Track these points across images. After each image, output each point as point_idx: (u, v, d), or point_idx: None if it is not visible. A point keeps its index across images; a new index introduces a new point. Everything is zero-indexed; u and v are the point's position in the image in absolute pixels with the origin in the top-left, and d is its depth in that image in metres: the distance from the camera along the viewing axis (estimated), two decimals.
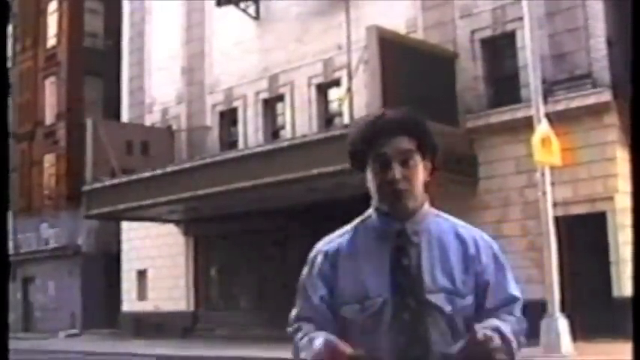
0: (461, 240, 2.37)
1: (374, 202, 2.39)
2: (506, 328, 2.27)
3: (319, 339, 2.22)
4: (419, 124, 2.38)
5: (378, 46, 18.26)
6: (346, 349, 2.15)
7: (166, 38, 29.30)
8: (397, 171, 2.29)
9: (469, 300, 2.30)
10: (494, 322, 2.27)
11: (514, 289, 2.41)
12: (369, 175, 2.35)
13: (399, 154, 2.31)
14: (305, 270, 2.43)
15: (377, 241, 2.34)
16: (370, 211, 2.41)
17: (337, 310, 2.32)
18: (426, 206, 2.39)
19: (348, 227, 2.44)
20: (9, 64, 36.31)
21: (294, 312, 2.41)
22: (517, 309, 2.39)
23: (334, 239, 2.42)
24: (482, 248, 2.38)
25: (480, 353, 2.15)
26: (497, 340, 2.17)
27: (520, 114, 18.23)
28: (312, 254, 2.44)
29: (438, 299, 2.27)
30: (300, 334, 2.33)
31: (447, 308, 2.26)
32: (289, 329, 2.40)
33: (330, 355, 2.16)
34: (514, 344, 2.27)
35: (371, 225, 2.38)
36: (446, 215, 2.44)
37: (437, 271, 2.30)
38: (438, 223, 2.39)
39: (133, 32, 31.18)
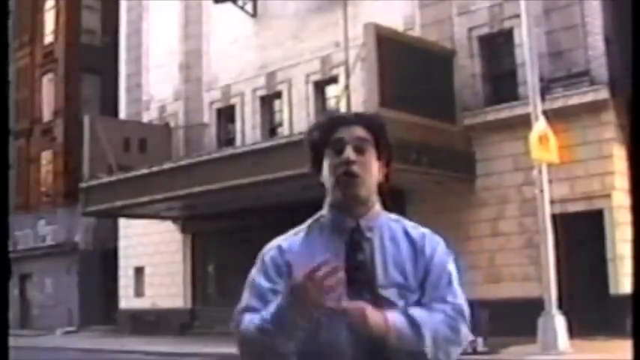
0: (410, 237, 2.39)
1: (328, 198, 2.42)
2: (421, 313, 2.25)
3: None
4: (377, 121, 2.44)
5: (376, 43, 18.24)
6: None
7: (164, 35, 29.27)
8: (351, 153, 2.33)
9: (419, 294, 2.33)
10: (410, 309, 2.27)
11: (451, 276, 2.37)
12: (325, 164, 2.38)
13: (354, 140, 2.35)
14: (256, 265, 2.43)
15: (332, 237, 2.36)
16: (324, 211, 2.43)
17: None
18: (378, 206, 2.42)
19: (301, 227, 2.46)
20: None
21: (240, 305, 2.37)
22: (451, 295, 2.34)
23: (288, 237, 2.45)
24: (427, 242, 2.39)
25: (351, 322, 2.17)
26: (378, 319, 2.17)
27: (518, 111, 18.23)
28: (263, 251, 2.45)
29: (390, 294, 2.29)
30: (245, 320, 2.28)
31: (400, 303, 2.28)
32: (232, 323, 2.35)
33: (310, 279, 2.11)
34: (425, 328, 2.23)
35: (325, 222, 2.41)
36: (396, 216, 2.47)
37: (390, 266, 2.33)
38: (389, 221, 2.43)
39: (131, 29, 31.15)
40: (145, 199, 23.23)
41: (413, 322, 2.23)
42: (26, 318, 35.63)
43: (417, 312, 2.26)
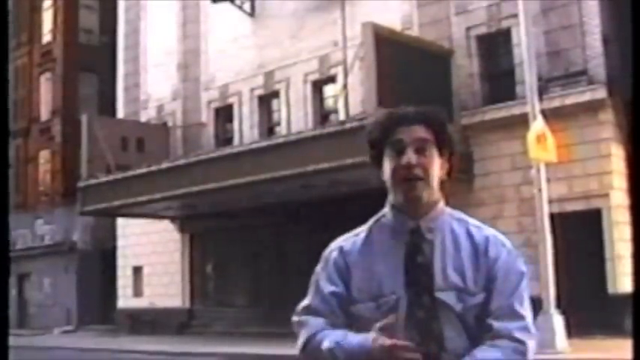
0: (472, 238, 2.35)
1: (389, 197, 2.38)
2: (490, 354, 2.21)
3: (359, 338, 2.20)
4: (437, 118, 2.38)
5: (374, 42, 18.25)
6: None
7: (162, 35, 29.26)
8: (412, 156, 2.28)
9: (479, 298, 2.27)
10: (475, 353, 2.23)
11: (521, 286, 2.33)
12: (385, 165, 2.34)
13: (415, 142, 2.30)
14: (319, 265, 2.42)
15: (391, 238, 2.34)
16: (386, 210, 2.40)
17: (349, 308, 2.31)
18: (441, 204, 2.39)
19: (363, 227, 2.44)
20: None
21: (304, 302, 2.39)
22: (522, 306, 2.30)
23: (349, 237, 2.43)
24: (492, 245, 2.35)
25: None
26: None
27: (515, 111, 18.25)
28: (327, 251, 2.43)
29: (448, 297, 2.25)
30: (309, 330, 2.31)
31: (458, 306, 2.25)
32: (295, 318, 2.38)
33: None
34: None
35: (386, 223, 2.38)
36: (460, 214, 2.44)
37: (449, 269, 2.28)
38: (452, 221, 2.39)
39: (128, 28, 31.13)
40: (143, 198, 23.23)
41: None
42: (24, 317, 35.61)
43: (488, 356, 2.21)
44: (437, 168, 2.33)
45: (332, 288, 2.34)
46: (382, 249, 2.34)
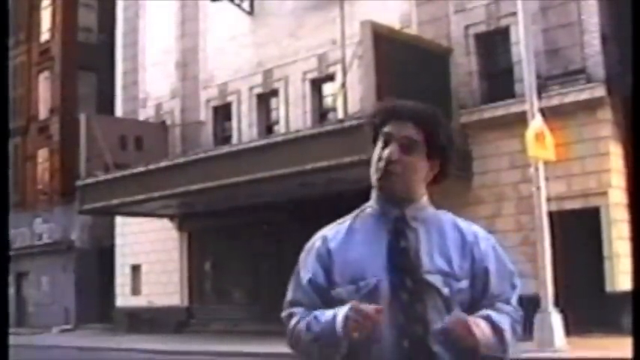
0: (459, 230, 2.40)
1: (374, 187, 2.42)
2: (499, 317, 2.31)
3: (340, 311, 2.22)
4: (432, 119, 2.39)
5: (372, 41, 18.24)
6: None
7: (160, 33, 29.24)
8: (394, 152, 2.31)
9: (465, 284, 2.32)
10: (486, 311, 2.30)
11: (514, 279, 2.45)
12: (373, 153, 2.39)
13: (402, 138, 2.33)
14: (302, 255, 2.45)
15: (375, 225, 2.37)
16: (371, 201, 2.43)
17: (330, 292, 2.33)
18: (425, 199, 2.41)
19: (348, 216, 2.47)
20: None
21: (287, 297, 2.43)
22: (514, 298, 2.42)
23: (333, 226, 2.46)
24: (480, 238, 2.40)
25: (457, 338, 2.19)
26: (479, 330, 2.20)
27: (514, 109, 18.25)
28: (310, 242, 2.46)
29: (435, 280, 2.28)
30: (294, 320, 2.34)
31: (444, 290, 2.28)
32: (283, 314, 2.41)
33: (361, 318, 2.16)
34: (507, 333, 2.29)
35: (370, 211, 2.41)
36: (445, 211, 2.48)
37: (435, 254, 2.32)
38: (437, 214, 2.43)
39: (127, 27, 31.11)
40: (142, 197, 23.22)
41: (496, 328, 2.28)
42: (22, 316, 35.59)
43: (497, 317, 2.31)
44: (420, 170, 2.36)
45: (309, 275, 2.37)
46: (366, 235, 2.36)
